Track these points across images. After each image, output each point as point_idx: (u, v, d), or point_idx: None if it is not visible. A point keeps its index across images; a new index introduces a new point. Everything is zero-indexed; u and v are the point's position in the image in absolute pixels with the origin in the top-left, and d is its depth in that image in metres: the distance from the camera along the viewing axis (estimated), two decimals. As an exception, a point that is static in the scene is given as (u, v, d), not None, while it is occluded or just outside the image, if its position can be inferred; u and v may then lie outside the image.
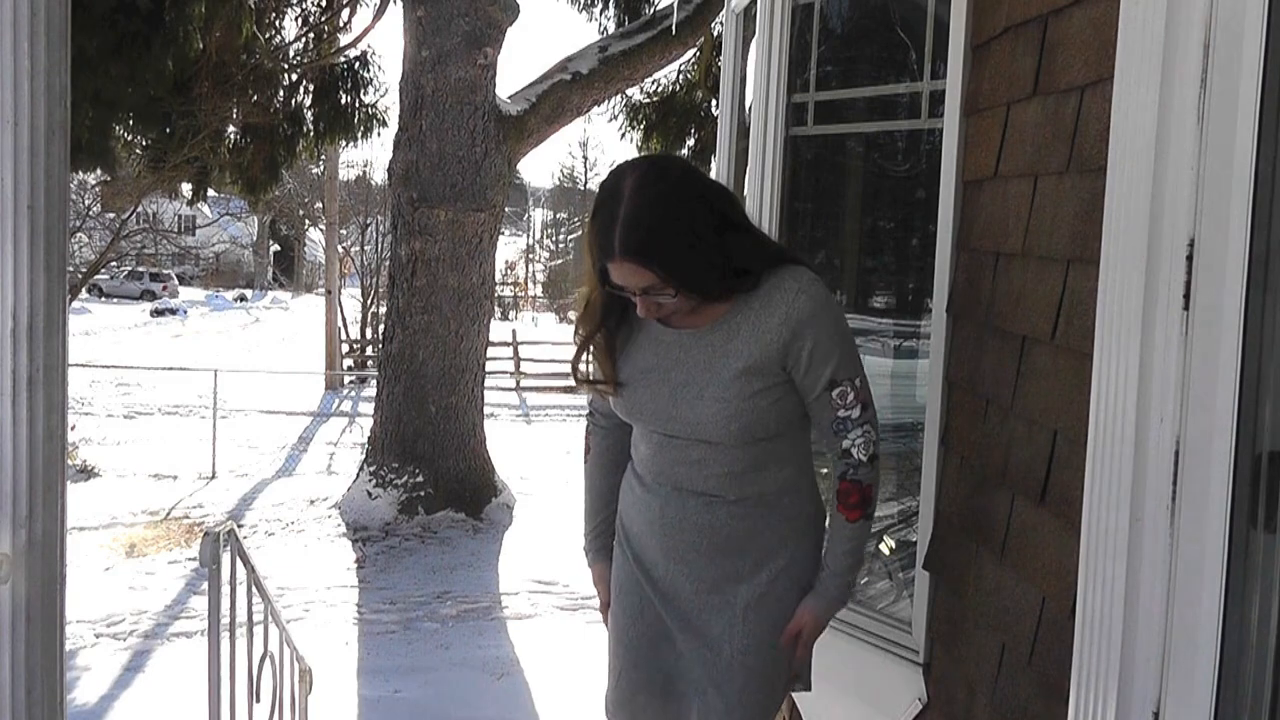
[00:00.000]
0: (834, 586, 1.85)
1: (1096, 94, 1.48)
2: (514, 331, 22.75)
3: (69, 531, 2.00)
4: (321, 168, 23.97)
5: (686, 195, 1.70)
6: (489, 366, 10.34)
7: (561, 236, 50.39)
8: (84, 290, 20.56)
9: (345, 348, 21.80)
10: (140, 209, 15.86)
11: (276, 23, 10.56)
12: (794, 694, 2.61)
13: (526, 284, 46.27)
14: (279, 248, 45.95)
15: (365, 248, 27.38)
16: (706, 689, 1.87)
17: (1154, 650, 1.22)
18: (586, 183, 48.79)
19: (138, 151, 10.42)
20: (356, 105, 10.61)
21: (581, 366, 1.92)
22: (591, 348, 1.87)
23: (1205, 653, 1.17)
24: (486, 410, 9.52)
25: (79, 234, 16.74)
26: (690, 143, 11.22)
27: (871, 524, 1.87)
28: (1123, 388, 1.26)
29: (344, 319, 21.89)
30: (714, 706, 1.86)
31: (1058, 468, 1.55)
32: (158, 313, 32.80)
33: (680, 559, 1.88)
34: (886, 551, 2.52)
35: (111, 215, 16.04)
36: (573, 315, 1.98)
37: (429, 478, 8.77)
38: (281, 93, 10.55)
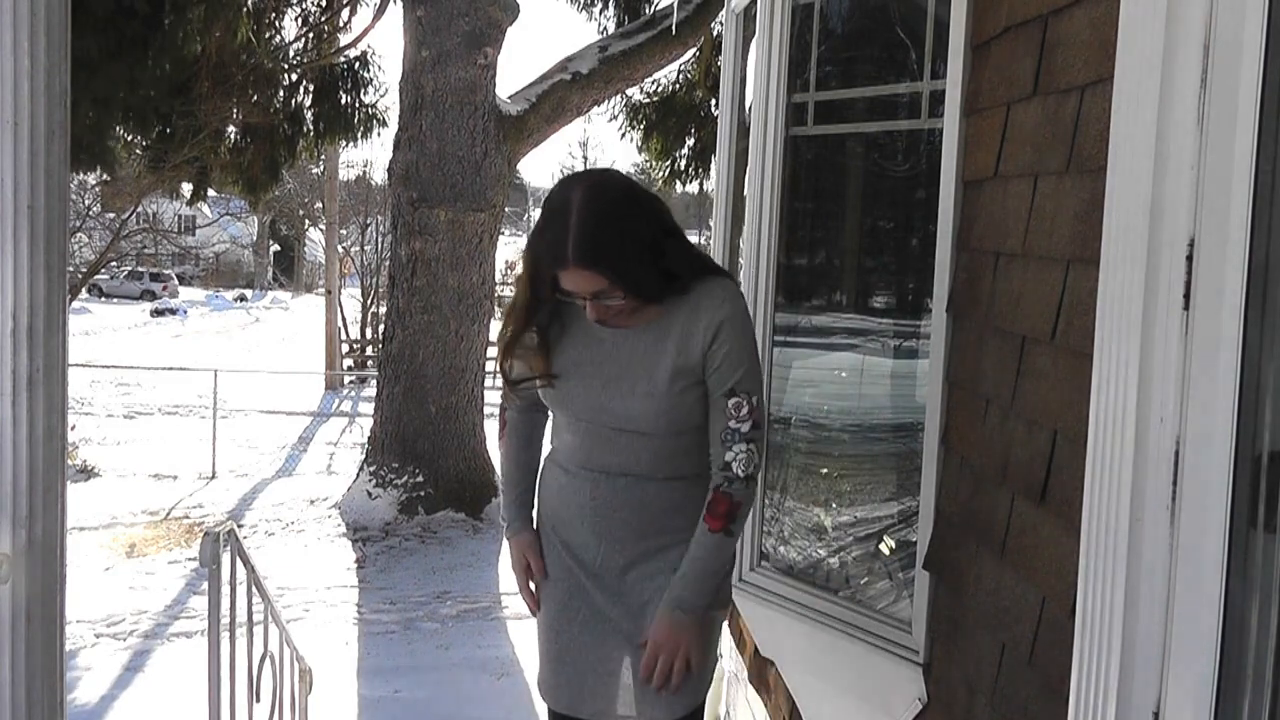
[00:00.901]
0: (685, 593, 1.91)
1: (1096, 94, 1.48)
2: (514, 331, 22.68)
3: (69, 531, 2.00)
4: (321, 168, 23.97)
5: (631, 206, 1.84)
6: (489, 366, 10.34)
7: (561, 236, 50.22)
8: (84, 290, 20.56)
9: (345, 348, 21.79)
10: (140, 209, 15.85)
11: (276, 23, 10.56)
12: (794, 695, 2.62)
13: (526, 284, 46.15)
14: (279, 248, 45.94)
15: (365, 248, 27.35)
16: (638, 652, 1.94)
17: (1154, 650, 1.22)
18: (586, 183, 48.62)
19: (138, 151, 10.41)
20: (356, 105, 10.61)
21: (506, 364, 2.02)
22: (519, 346, 1.97)
23: (1205, 653, 1.17)
24: (486, 410, 9.52)
25: (79, 234, 16.73)
26: (690, 143, 11.22)
27: (734, 542, 1.95)
28: (1123, 388, 1.26)
29: (344, 319, 21.87)
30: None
31: (1058, 468, 1.55)
32: (158, 313, 32.79)
33: (612, 538, 1.97)
34: (886, 551, 2.52)
35: (111, 215, 16.04)
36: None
37: (429, 478, 8.77)
38: (281, 93, 10.55)
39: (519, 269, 1.97)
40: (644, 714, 1.97)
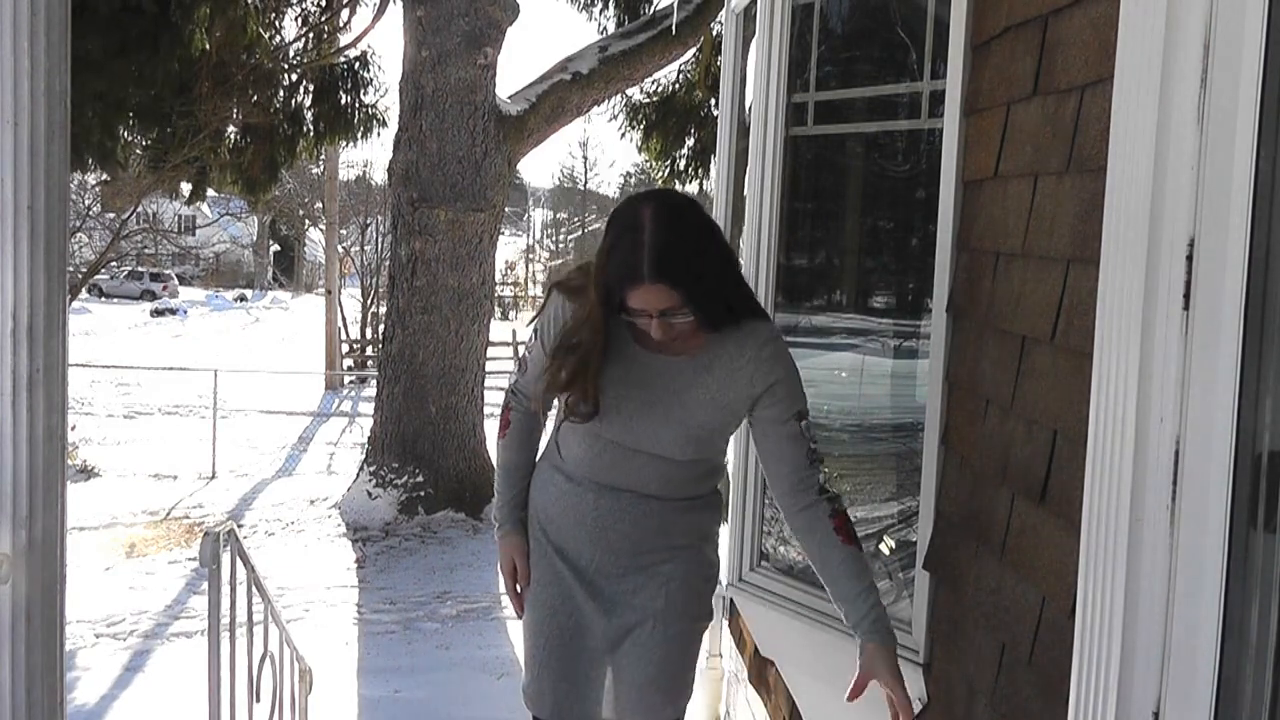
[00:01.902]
0: (885, 619, 1.84)
1: (1096, 94, 1.48)
2: (514, 331, 22.73)
3: (69, 531, 2.00)
4: (321, 168, 23.96)
5: (706, 228, 1.85)
6: (489, 366, 10.34)
7: (561, 236, 50.37)
8: (84, 290, 20.55)
9: (345, 348, 21.79)
10: (140, 209, 15.83)
11: (276, 23, 10.56)
12: (794, 695, 2.62)
13: (526, 284, 46.25)
14: (279, 248, 45.93)
15: (365, 248, 27.36)
16: (636, 662, 1.97)
17: (1154, 650, 1.22)
18: (586, 183, 48.78)
19: (138, 151, 10.41)
20: (356, 105, 10.61)
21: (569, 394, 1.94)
22: (577, 362, 1.90)
23: (1205, 653, 1.17)
24: (486, 410, 9.52)
25: (79, 234, 16.73)
26: (690, 143, 11.22)
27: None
28: (1123, 388, 1.26)
29: (344, 319, 21.88)
30: (644, 677, 1.97)
31: (1058, 468, 1.55)
32: (158, 313, 32.78)
33: (610, 548, 1.98)
34: (886, 551, 2.52)
35: (111, 215, 16.04)
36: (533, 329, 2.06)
37: (429, 478, 8.77)
38: (281, 93, 10.55)
39: (560, 271, 1.97)
40: (639, 715, 1.98)
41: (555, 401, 2.02)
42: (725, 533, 2.90)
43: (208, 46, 8.45)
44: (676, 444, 1.91)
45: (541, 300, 2.15)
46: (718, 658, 3.68)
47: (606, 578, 1.99)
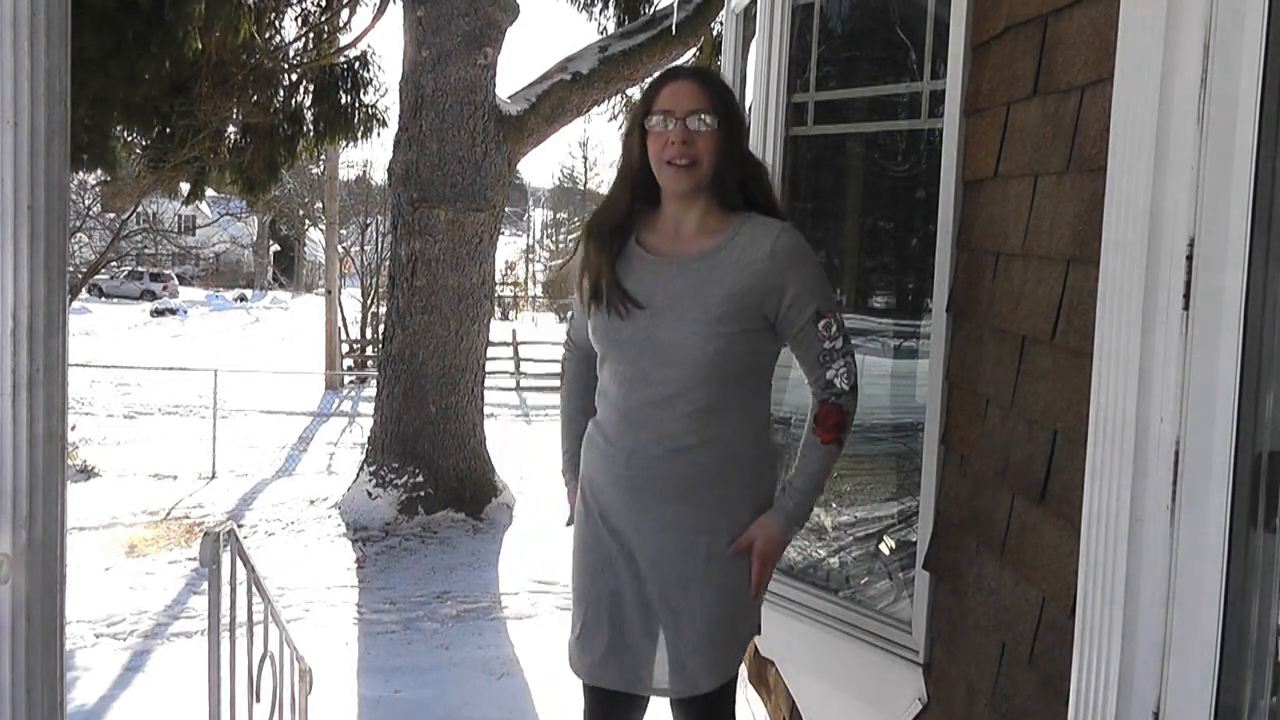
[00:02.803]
0: (793, 504, 1.94)
1: (1096, 94, 1.48)
2: (514, 331, 22.75)
3: (69, 531, 2.00)
4: (321, 168, 23.96)
5: (739, 104, 2.01)
6: (489, 366, 10.34)
7: (561, 237, 50.36)
8: (84, 290, 20.55)
9: (345, 348, 21.79)
10: (140, 209, 15.82)
11: (276, 23, 10.56)
12: (794, 695, 2.62)
13: (526, 284, 46.26)
14: (279, 248, 45.93)
15: (365, 248, 27.35)
16: (674, 631, 1.93)
17: (1154, 650, 1.22)
18: (586, 183, 48.75)
19: (138, 151, 10.41)
20: (356, 105, 10.61)
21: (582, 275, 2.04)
22: (596, 251, 2.00)
23: (1205, 653, 1.17)
24: (486, 410, 9.52)
25: (79, 234, 16.72)
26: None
27: (840, 452, 1.96)
28: (1123, 388, 1.26)
29: (344, 319, 21.87)
30: (684, 646, 1.93)
31: (1058, 468, 1.55)
32: (158, 313, 32.78)
33: (644, 508, 1.96)
34: (886, 551, 2.52)
35: (111, 215, 16.02)
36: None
37: (429, 478, 8.76)
38: (281, 93, 10.55)
39: (622, 153, 2.05)
40: (677, 684, 1.94)
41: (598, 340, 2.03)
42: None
43: (201, 46, 8.44)
44: (695, 344, 1.87)
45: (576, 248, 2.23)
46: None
47: (646, 543, 1.95)
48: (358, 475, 9.19)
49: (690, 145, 1.88)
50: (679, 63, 10.60)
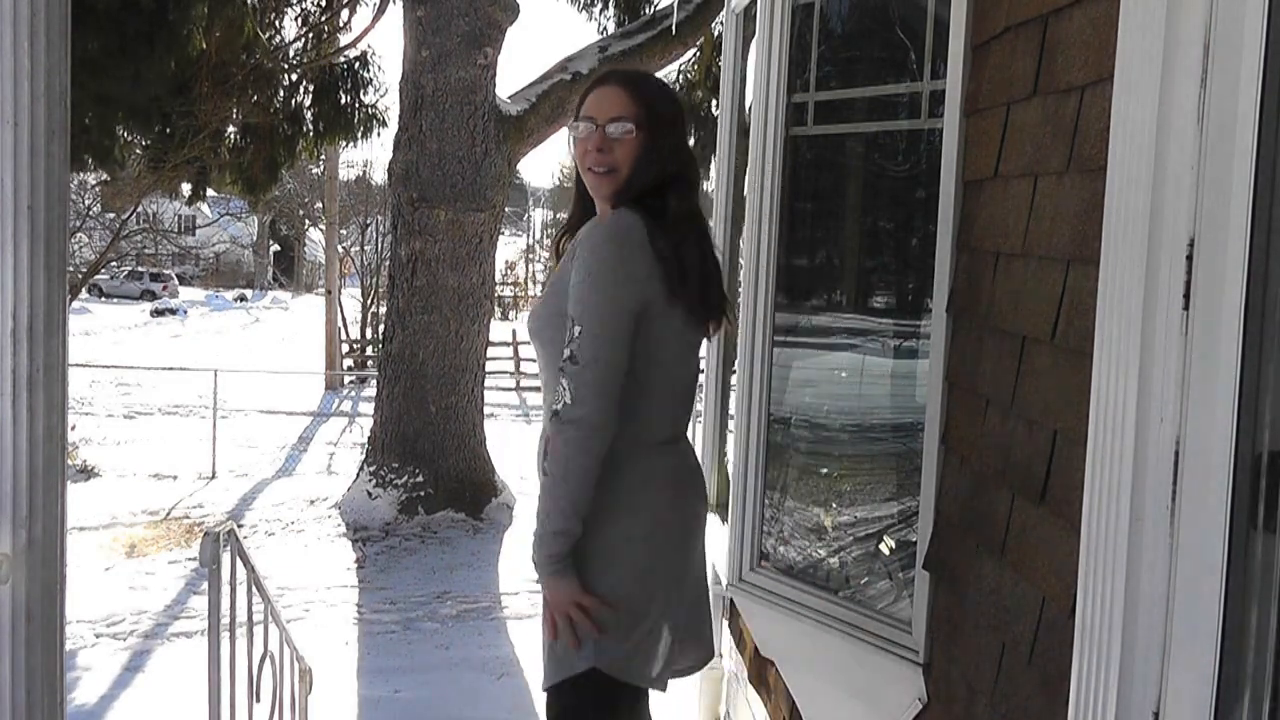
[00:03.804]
0: (534, 552, 1.81)
1: (1096, 94, 1.48)
2: (514, 331, 22.72)
3: (69, 531, 2.00)
4: (321, 168, 23.98)
5: (680, 115, 1.98)
6: (489, 366, 10.34)
7: (561, 236, 50.26)
8: (84, 290, 20.55)
9: (345, 348, 21.79)
10: (140, 209, 15.82)
11: (276, 23, 10.57)
12: (794, 695, 2.62)
13: (526, 284, 46.24)
14: (279, 248, 45.93)
15: (365, 248, 27.35)
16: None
17: (1154, 650, 1.22)
18: (586, 183, 48.65)
19: (138, 151, 10.41)
20: (356, 105, 10.62)
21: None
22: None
23: (1205, 653, 1.17)
24: (486, 410, 9.52)
25: (79, 234, 16.73)
26: (690, 143, 11.19)
27: (554, 486, 1.75)
28: (1123, 388, 1.26)
29: (344, 319, 21.87)
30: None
31: (1058, 468, 1.55)
32: (158, 313, 32.78)
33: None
34: (886, 551, 2.52)
35: (111, 215, 16.03)
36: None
37: (429, 478, 8.76)
38: (281, 93, 10.56)
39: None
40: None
41: None
42: (725, 532, 2.90)
43: (205, 46, 8.44)
44: (534, 325, 1.92)
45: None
46: (718, 658, 3.68)
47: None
48: (358, 475, 9.19)
49: (607, 153, 1.86)
50: (678, 63, 10.62)
